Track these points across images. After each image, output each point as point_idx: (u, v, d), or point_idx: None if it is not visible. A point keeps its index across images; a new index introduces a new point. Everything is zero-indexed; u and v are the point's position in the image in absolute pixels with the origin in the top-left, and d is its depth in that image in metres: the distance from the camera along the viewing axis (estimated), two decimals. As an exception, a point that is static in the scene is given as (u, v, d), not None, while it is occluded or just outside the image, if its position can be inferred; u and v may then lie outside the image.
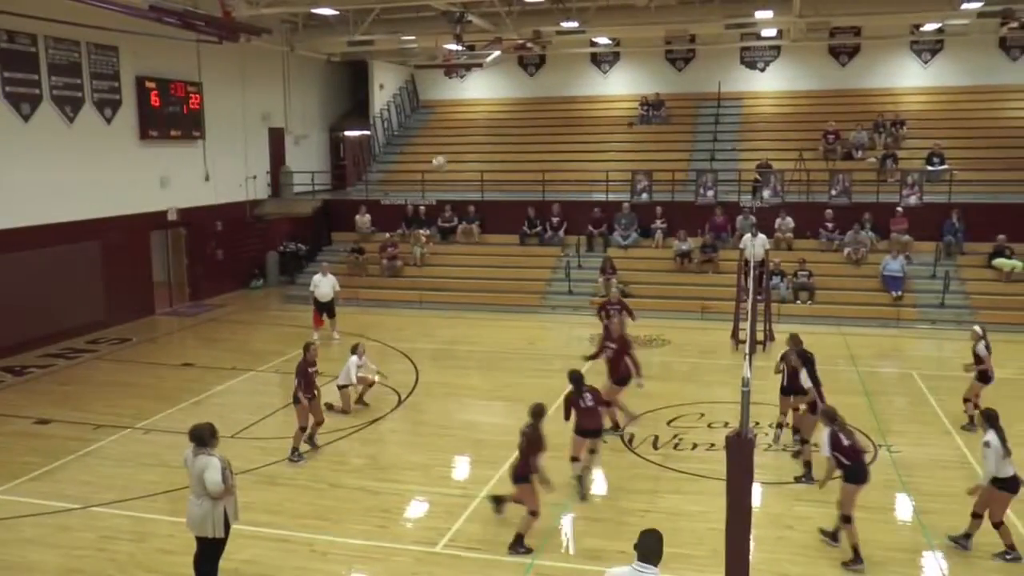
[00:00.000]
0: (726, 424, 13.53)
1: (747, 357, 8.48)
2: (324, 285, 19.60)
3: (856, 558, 9.19)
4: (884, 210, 23.16)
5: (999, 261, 21.58)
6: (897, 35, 28.63)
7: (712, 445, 12.74)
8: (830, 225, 23.30)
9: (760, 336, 18.07)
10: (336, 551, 9.77)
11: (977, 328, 13.47)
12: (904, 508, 10.96)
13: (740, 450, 6.63)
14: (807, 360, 12.16)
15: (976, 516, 9.50)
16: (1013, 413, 14.13)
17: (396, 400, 15.31)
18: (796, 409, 12.37)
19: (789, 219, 23.43)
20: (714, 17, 24.24)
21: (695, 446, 12.87)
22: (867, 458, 10.26)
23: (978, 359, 13.23)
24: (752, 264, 17.61)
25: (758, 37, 28.75)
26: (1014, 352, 15.65)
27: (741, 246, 20.79)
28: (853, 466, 9.34)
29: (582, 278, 23.23)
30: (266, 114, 27.10)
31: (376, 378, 15.10)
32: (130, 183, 21.45)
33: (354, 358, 14.59)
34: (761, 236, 21.05)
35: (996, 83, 28.75)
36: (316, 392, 12.63)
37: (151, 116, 21.99)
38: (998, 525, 9.31)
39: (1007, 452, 9.15)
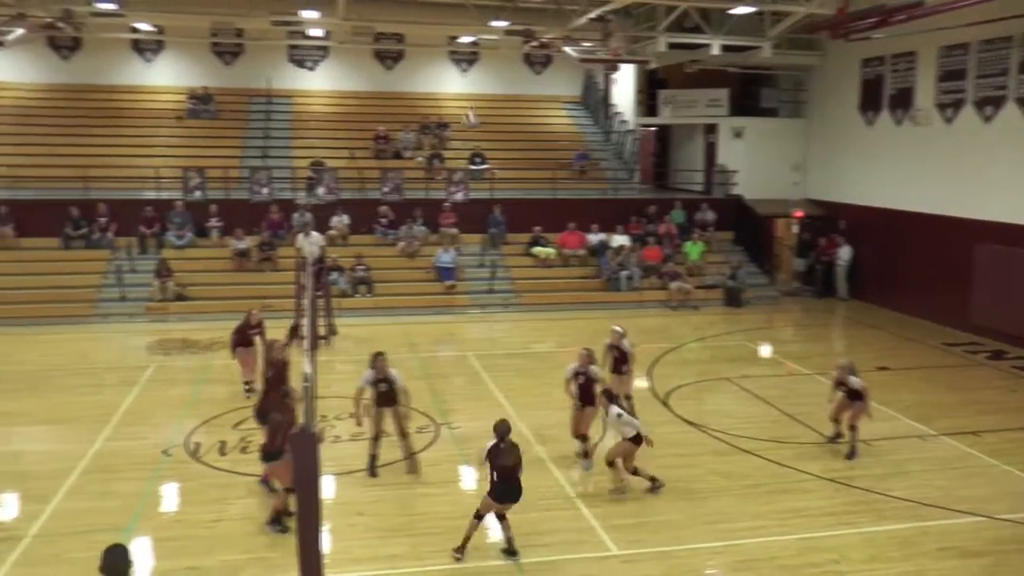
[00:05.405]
0: (294, 421, 13.21)
1: (308, 353, 8.41)
2: None
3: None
4: (434, 206, 24.40)
5: (536, 249, 23.90)
6: (437, 44, 30.34)
7: (282, 443, 12.39)
8: (384, 221, 23.99)
9: (323, 331, 18.06)
10: None
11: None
12: (468, 479, 11.51)
13: (305, 445, 6.55)
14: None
15: (610, 465, 11.01)
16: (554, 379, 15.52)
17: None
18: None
19: (345, 216, 23.70)
20: (260, 13, 23.74)
21: (264, 447, 12.45)
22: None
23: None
24: (309, 260, 17.52)
25: (305, 36, 28.75)
26: (552, 328, 17.21)
27: (298, 243, 20.65)
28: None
29: (136, 282, 21.37)
30: None
31: None
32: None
33: None
34: (315, 234, 21.14)
35: (524, 93, 31.74)
36: None
37: None
38: (611, 464, 10.99)
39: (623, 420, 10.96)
